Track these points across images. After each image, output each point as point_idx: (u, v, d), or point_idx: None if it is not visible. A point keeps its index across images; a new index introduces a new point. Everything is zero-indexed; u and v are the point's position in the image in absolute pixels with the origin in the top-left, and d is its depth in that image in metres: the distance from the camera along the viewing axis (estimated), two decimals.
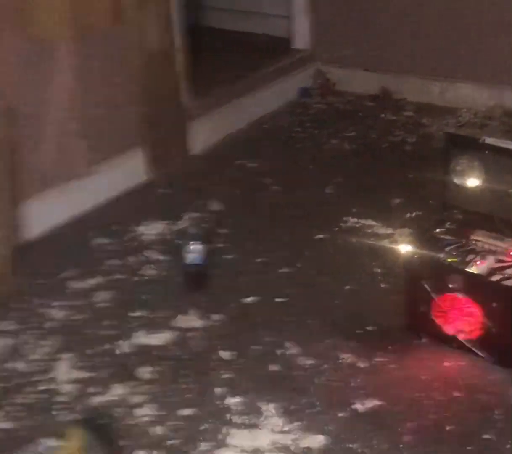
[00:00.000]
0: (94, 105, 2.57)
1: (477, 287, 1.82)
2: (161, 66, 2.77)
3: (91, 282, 2.21)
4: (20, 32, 2.25)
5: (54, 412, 1.71)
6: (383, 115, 3.34)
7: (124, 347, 1.93)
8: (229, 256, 2.33)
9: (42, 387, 1.79)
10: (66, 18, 2.37)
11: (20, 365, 1.87)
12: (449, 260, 1.91)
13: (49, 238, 2.44)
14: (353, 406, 1.70)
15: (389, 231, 2.42)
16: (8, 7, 2.19)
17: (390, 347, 1.90)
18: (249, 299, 2.12)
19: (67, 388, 1.79)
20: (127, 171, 2.74)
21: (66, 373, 1.84)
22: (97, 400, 1.75)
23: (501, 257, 1.90)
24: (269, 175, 2.85)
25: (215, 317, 2.04)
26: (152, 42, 2.68)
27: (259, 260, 2.31)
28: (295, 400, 1.72)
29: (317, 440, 1.61)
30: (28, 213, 2.38)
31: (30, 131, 2.37)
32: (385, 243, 2.35)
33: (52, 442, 1.60)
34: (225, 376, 1.82)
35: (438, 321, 1.87)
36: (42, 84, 2.38)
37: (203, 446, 1.60)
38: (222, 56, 3.57)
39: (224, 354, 1.90)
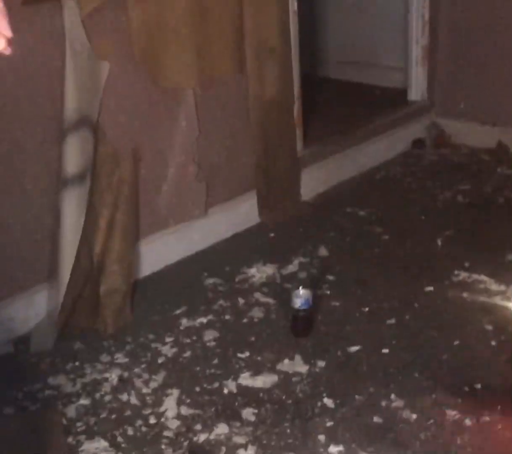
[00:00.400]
0: (214, 150, 2.69)
1: None
2: (278, 115, 2.85)
3: (201, 320, 2.27)
4: (152, 80, 2.39)
5: (162, 446, 1.77)
6: (499, 170, 3.31)
7: (229, 387, 1.97)
8: (335, 303, 2.35)
9: (151, 421, 1.85)
10: (194, 68, 2.50)
11: (131, 398, 1.94)
12: None
13: (164, 276, 2.54)
14: None
15: (502, 287, 2.37)
16: (144, 57, 2.34)
17: (498, 407, 1.85)
18: (355, 348, 2.12)
19: (174, 423, 1.84)
20: (240, 214, 2.83)
21: (173, 408, 1.89)
22: (202, 437, 1.79)
23: None
24: (379, 224, 2.86)
25: (320, 363, 2.05)
26: (271, 91, 2.77)
27: (366, 309, 2.31)
28: None
29: None
30: (146, 250, 2.49)
31: (153, 173, 2.49)
32: (497, 299, 2.30)
33: None
34: (328, 424, 1.82)
35: None
36: (168, 130, 2.51)
37: None
38: (337, 106, 3.65)
39: (328, 402, 1.90)
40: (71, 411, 1.89)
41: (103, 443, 1.77)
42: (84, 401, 1.93)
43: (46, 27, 2.04)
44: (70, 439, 1.79)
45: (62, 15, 2.05)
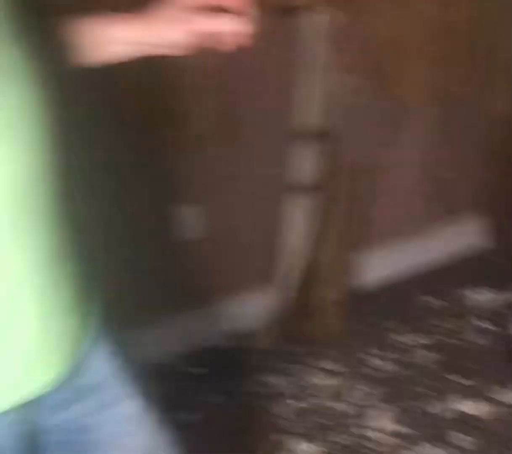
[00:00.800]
0: (442, 167, 2.65)
1: None
2: (507, 132, 2.75)
3: (412, 338, 2.25)
4: (386, 95, 2.41)
5: None
6: None
7: (440, 409, 1.93)
8: None
9: (356, 431, 1.87)
10: (428, 83, 2.49)
11: (341, 406, 1.97)
12: None
13: (378, 289, 2.55)
14: None
15: None
16: (380, 72, 2.36)
17: None
18: None
19: (380, 437, 1.84)
20: (461, 235, 2.76)
21: (380, 422, 1.89)
22: None
23: None
24: None
25: None
26: (499, 107, 2.69)
27: None
28: None
29: None
30: (363, 263, 2.52)
31: (378, 186, 2.51)
32: None
33: None
34: None
35: None
36: (397, 144, 2.52)
37: None
38: None
39: None
40: (283, 411, 1.96)
41: (312, 448, 1.82)
42: (299, 403, 1.99)
43: (290, 38, 2.14)
44: (279, 438, 1.86)
45: (306, 28, 2.13)
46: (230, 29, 0.84)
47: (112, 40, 0.90)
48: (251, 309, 2.30)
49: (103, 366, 0.90)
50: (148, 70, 1.73)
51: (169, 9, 0.87)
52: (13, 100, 0.70)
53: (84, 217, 0.86)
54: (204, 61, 1.94)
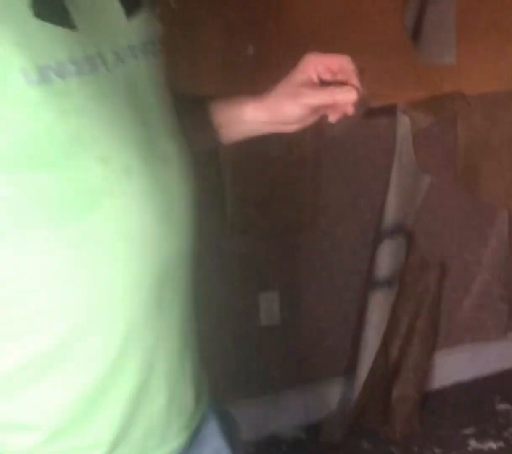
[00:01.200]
0: None
1: None
2: None
3: (491, 446, 2.16)
4: (469, 195, 2.44)
5: None
6: None
7: None
8: None
9: None
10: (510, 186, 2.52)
11: None
12: None
13: (454, 391, 2.47)
14: None
15: None
16: (464, 172, 2.41)
17: None
18: None
19: None
20: None
21: None
22: None
23: None
24: None
25: None
26: None
27: None
28: None
29: None
30: (439, 363, 2.47)
31: (456, 286, 2.50)
32: None
33: None
34: None
35: None
36: (477, 245, 2.52)
37: None
38: None
39: None
40: None
41: None
42: None
43: (381, 139, 2.22)
44: None
45: (396, 130, 2.22)
46: (344, 100, 0.88)
47: (242, 121, 0.96)
48: (322, 400, 2.27)
49: (211, 442, 0.92)
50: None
51: (288, 86, 0.92)
52: (174, 184, 0.76)
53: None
54: (298, 153, 2.07)
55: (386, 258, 2.22)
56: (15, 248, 0.67)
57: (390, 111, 2.19)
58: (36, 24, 0.65)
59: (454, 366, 2.52)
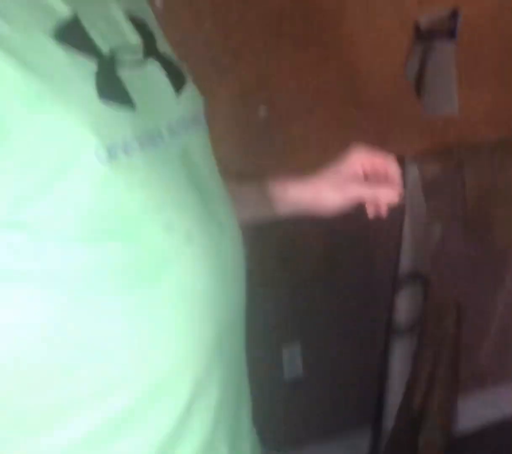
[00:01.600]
0: None
1: None
2: None
3: None
4: (480, 240, 2.49)
5: None
6: None
7: None
8: None
9: None
10: None
11: None
12: None
13: (479, 435, 2.47)
14: None
15: None
16: (475, 219, 2.46)
17: None
18: None
19: None
20: None
21: None
22: None
23: None
24: None
25: None
26: None
27: None
28: None
29: None
30: (462, 407, 2.46)
31: (475, 330, 2.52)
32: None
33: None
34: None
35: None
36: (492, 288, 2.55)
37: None
38: None
39: None
40: None
41: None
42: None
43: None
44: None
45: (405, 180, 2.27)
46: (384, 199, 0.95)
47: (282, 200, 1.02)
48: (349, 451, 2.26)
49: None
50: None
51: (335, 176, 0.99)
52: (227, 246, 0.81)
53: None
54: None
55: (405, 305, 2.25)
56: (85, 314, 0.71)
57: (398, 162, 2.25)
58: (102, 105, 0.70)
59: (477, 409, 2.51)
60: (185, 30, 1.85)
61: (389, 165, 0.96)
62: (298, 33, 2.02)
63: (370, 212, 0.99)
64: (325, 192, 0.99)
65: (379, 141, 2.23)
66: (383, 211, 0.98)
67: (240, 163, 1.83)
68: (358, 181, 0.97)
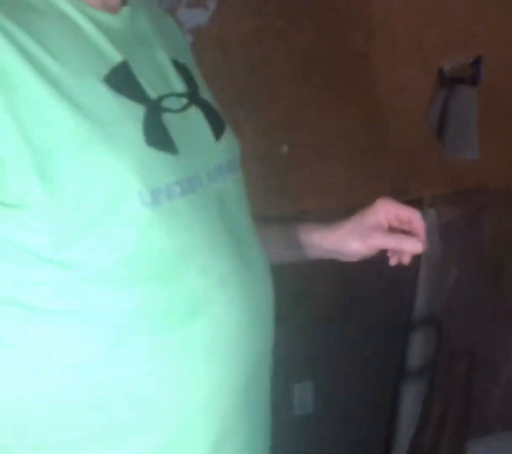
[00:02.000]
0: None
1: None
2: None
3: None
4: (496, 288, 2.48)
5: None
6: None
7: None
8: None
9: None
10: None
11: None
12: None
13: None
14: None
15: None
16: (490, 266, 2.46)
17: None
18: None
19: None
20: None
21: None
22: None
23: None
24: None
25: None
26: None
27: None
28: None
29: None
30: (470, 452, 2.44)
31: (486, 376, 2.50)
32: None
33: None
34: None
35: None
36: (505, 336, 2.54)
37: None
38: None
39: None
40: None
41: None
42: None
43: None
44: None
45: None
46: (408, 249, 0.96)
47: (307, 246, 1.03)
48: None
49: None
50: None
51: (359, 225, 1.00)
52: (259, 289, 0.83)
53: None
54: None
55: (417, 348, 2.25)
56: (125, 354, 0.72)
57: (416, 205, 2.26)
58: (148, 151, 0.72)
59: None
60: (213, 65, 1.88)
61: (413, 216, 0.97)
62: (324, 73, 2.05)
63: (393, 261, 1.00)
64: (349, 239, 1.00)
65: (399, 184, 2.27)
66: (406, 260, 0.99)
67: (261, 203, 1.85)
68: (381, 230, 0.99)
